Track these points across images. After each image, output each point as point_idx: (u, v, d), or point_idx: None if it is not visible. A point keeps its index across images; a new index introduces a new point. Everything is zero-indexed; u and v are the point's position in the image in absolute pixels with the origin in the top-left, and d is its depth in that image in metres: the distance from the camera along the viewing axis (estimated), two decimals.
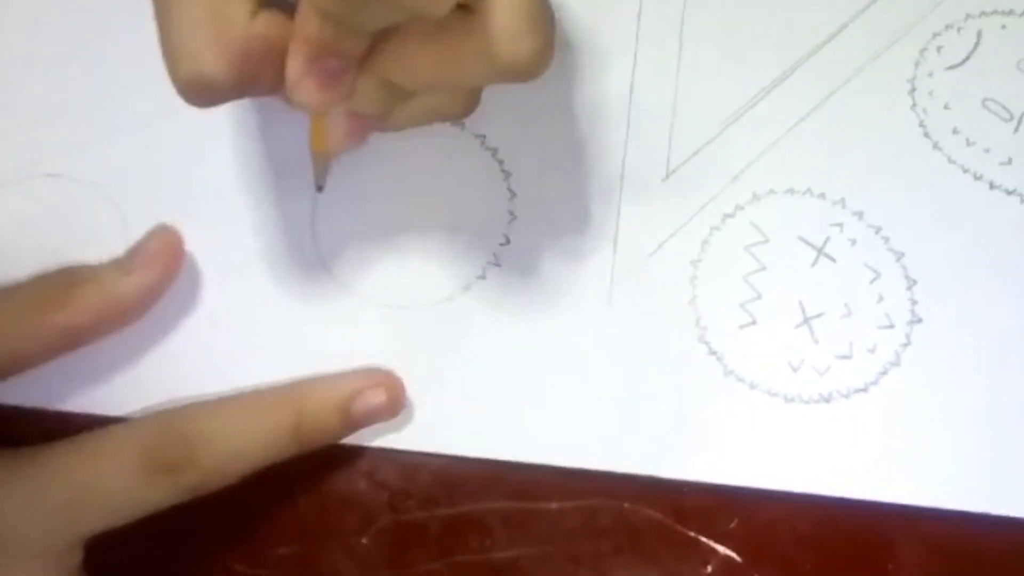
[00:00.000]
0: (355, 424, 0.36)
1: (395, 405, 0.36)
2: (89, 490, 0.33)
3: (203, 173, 0.38)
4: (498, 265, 0.38)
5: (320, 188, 0.36)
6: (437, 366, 0.37)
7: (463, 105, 0.34)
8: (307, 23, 0.28)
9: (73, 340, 0.35)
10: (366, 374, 0.36)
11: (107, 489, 0.33)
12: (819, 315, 0.37)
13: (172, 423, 0.34)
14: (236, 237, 0.38)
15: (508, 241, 0.38)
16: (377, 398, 0.36)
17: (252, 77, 0.29)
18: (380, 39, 0.30)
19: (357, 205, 0.38)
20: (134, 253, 0.36)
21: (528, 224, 0.38)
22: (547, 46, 0.29)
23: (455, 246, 0.38)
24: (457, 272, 0.38)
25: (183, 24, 0.28)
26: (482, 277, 0.38)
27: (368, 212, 0.38)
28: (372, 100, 0.31)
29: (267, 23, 0.29)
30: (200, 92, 0.29)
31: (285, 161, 0.38)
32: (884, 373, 0.36)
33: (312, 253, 0.38)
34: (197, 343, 0.37)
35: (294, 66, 0.29)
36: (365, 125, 0.33)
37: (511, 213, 0.38)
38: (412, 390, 0.36)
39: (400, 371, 0.37)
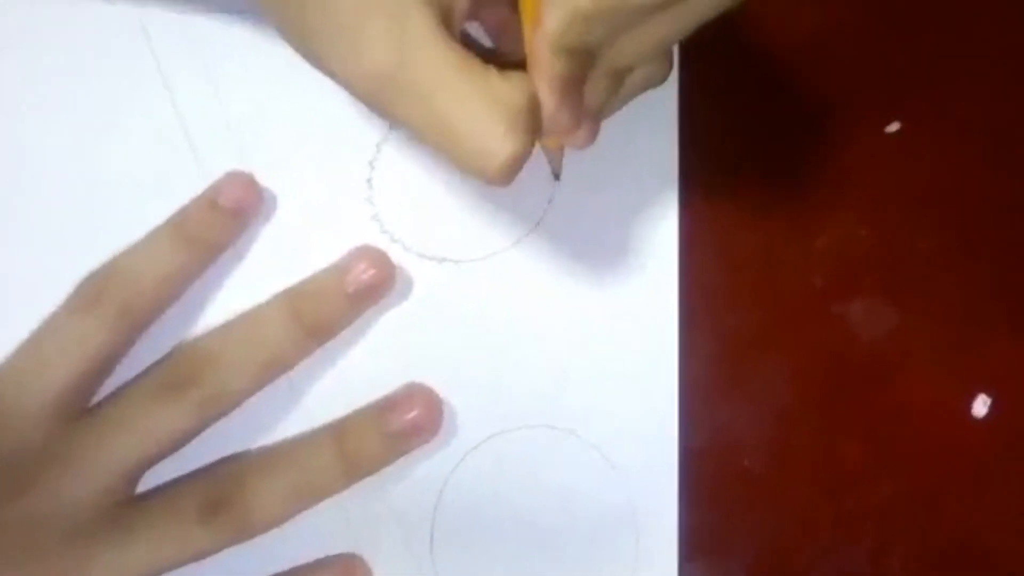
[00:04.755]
0: (396, 441, 0.36)
1: (433, 419, 0.37)
2: None
3: (263, 126, 0.38)
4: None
5: (558, 176, 0.35)
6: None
7: (668, 65, 0.33)
8: (551, 64, 0.28)
9: None
10: (400, 392, 0.37)
11: None
12: None
13: (222, 470, 0.36)
14: (294, 194, 0.38)
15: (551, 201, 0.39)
16: (413, 412, 0.36)
17: (537, 134, 0.29)
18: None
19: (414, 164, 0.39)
20: (217, 190, 0.37)
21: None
22: None
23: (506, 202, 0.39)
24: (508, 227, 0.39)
25: (467, 121, 0.28)
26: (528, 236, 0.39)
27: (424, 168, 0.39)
28: (601, 92, 0.30)
29: (521, 80, 0.29)
30: (513, 173, 0.28)
31: (342, 116, 0.38)
32: None
33: (367, 211, 0.38)
34: (250, 294, 0.37)
35: (549, 107, 0.29)
36: (598, 118, 0.32)
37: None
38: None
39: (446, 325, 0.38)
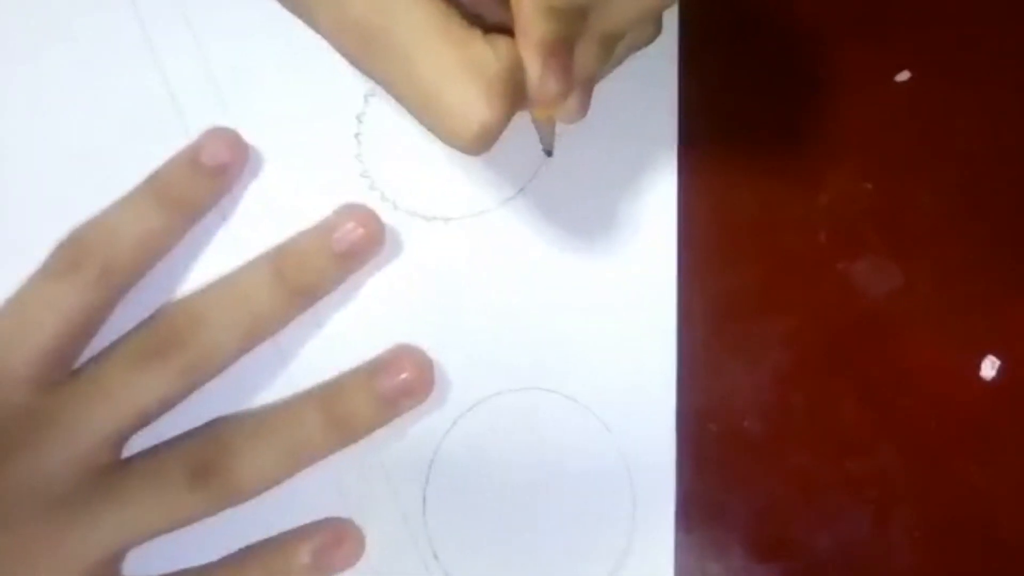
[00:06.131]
0: (387, 403, 0.36)
1: (424, 380, 0.36)
2: None
3: (247, 80, 0.37)
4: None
5: (550, 153, 0.34)
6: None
7: (656, 28, 0.32)
8: (535, 26, 0.27)
9: None
10: (389, 353, 0.36)
11: None
12: None
13: (210, 434, 0.35)
14: (281, 150, 0.37)
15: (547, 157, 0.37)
16: (403, 373, 0.36)
17: (518, 103, 0.28)
18: None
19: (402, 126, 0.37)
20: (198, 148, 0.36)
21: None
22: None
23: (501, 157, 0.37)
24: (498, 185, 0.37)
25: (443, 85, 0.27)
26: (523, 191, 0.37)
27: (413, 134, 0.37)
28: (592, 60, 0.29)
29: (507, 45, 0.28)
30: (487, 142, 0.27)
31: (330, 73, 0.36)
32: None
33: (356, 168, 0.37)
34: (234, 255, 0.36)
35: (534, 73, 0.27)
36: (589, 88, 0.31)
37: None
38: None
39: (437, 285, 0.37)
